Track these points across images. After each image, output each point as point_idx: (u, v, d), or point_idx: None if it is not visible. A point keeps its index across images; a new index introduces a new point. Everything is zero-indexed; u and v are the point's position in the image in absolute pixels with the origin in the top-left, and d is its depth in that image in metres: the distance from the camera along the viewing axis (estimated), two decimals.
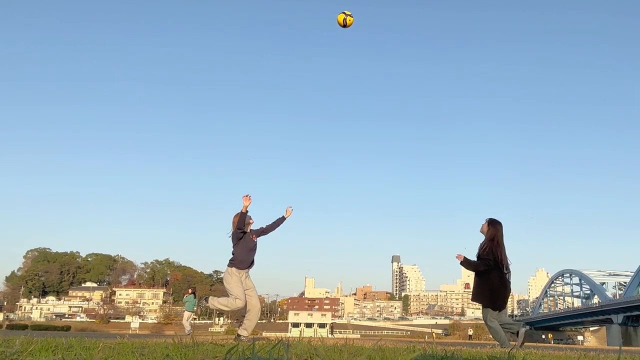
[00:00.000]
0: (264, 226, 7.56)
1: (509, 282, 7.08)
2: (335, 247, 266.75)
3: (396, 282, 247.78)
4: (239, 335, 7.07)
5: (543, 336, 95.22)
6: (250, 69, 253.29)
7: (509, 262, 7.05)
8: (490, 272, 6.94)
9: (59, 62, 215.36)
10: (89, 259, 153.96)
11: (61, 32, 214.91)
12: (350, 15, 8.25)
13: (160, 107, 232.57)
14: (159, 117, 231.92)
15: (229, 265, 7.26)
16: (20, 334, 6.19)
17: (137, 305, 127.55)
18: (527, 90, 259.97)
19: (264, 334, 66.60)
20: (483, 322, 7.17)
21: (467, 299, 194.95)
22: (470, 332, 75.44)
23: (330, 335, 48.52)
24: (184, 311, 17.87)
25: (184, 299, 18.11)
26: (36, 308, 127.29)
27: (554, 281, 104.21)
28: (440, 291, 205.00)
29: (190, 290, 18.06)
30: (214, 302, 7.15)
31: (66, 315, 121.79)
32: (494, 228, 7.05)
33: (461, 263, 7.14)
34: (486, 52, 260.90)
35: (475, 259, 7.15)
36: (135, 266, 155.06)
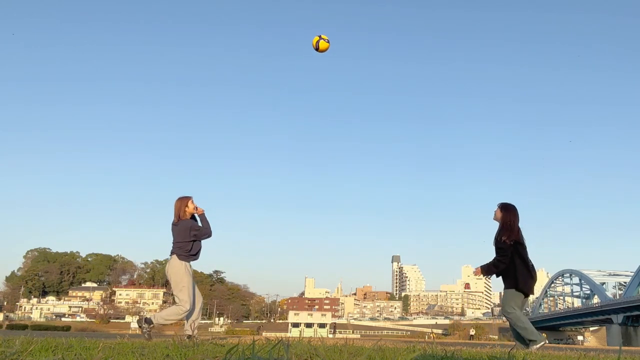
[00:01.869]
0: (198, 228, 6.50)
1: (534, 268, 6.49)
2: (335, 247, 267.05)
3: (396, 282, 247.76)
4: (189, 336, 5.92)
5: None
6: (250, 68, 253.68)
7: (525, 244, 6.51)
8: (513, 258, 6.42)
9: (59, 62, 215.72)
10: (89, 259, 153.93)
11: (61, 32, 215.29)
12: (326, 41, 7.48)
13: (160, 107, 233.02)
14: (159, 116, 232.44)
15: (183, 259, 6.19)
16: (20, 334, 6.18)
17: (137, 305, 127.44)
18: (526, 90, 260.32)
19: (264, 334, 66.58)
20: (500, 311, 6.35)
21: (467, 299, 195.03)
22: (472, 332, 75.53)
23: (331, 335, 48.49)
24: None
25: None
26: (36, 308, 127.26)
27: (554, 281, 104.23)
28: (440, 291, 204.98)
29: None
30: (159, 320, 6.04)
31: (66, 315, 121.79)
32: (506, 213, 6.51)
33: (484, 274, 6.58)
34: (486, 52, 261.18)
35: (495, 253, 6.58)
36: (135, 266, 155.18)
